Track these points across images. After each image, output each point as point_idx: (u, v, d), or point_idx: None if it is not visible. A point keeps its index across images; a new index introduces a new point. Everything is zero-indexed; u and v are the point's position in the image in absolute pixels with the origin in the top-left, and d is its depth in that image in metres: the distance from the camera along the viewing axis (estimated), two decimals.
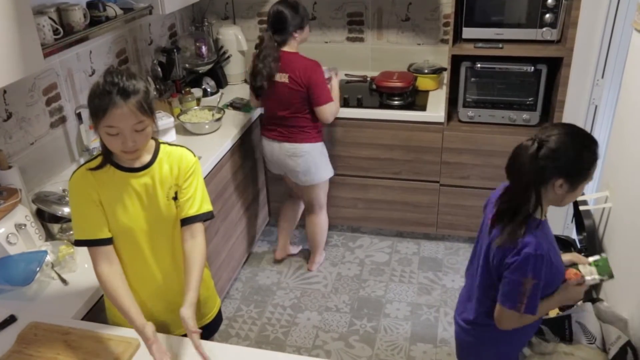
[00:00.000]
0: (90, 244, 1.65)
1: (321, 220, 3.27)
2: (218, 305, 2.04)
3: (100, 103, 1.50)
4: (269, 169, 3.25)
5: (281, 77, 2.84)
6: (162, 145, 1.73)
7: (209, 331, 1.98)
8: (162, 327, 1.80)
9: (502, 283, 1.61)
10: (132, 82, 1.52)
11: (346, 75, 3.69)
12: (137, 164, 1.67)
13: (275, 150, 3.03)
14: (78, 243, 1.67)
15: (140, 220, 1.68)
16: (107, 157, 1.64)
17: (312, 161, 3.00)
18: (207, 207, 1.77)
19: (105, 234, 1.66)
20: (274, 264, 3.49)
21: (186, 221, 1.72)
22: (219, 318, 2.04)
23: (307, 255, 3.54)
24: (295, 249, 3.56)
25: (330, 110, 2.88)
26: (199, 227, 1.74)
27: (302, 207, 3.41)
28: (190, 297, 1.63)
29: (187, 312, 1.59)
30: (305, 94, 2.83)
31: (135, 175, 1.66)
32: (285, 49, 2.86)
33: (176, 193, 1.71)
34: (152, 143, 1.71)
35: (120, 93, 1.49)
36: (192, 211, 1.72)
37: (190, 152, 1.76)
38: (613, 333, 1.84)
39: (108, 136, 1.54)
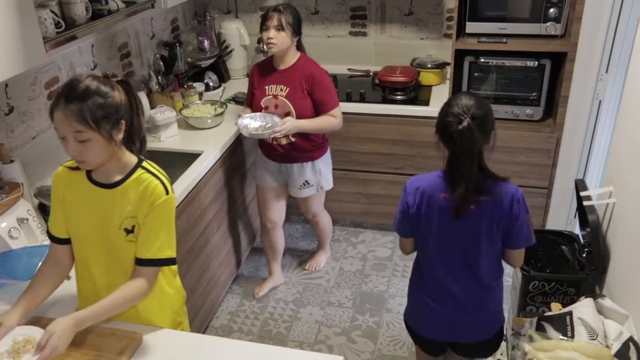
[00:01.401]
0: (50, 238, 1.70)
1: (326, 218, 3.26)
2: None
3: (52, 103, 1.47)
4: (261, 179, 3.02)
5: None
6: (139, 169, 1.60)
7: None
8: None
9: (516, 231, 1.81)
10: (87, 90, 1.45)
11: (349, 69, 3.68)
12: (104, 180, 1.59)
13: (286, 173, 2.96)
14: (48, 235, 1.71)
15: (90, 236, 1.63)
16: None
17: (320, 171, 2.95)
18: (168, 252, 1.61)
19: (60, 234, 1.66)
20: None
21: (138, 262, 1.60)
22: None
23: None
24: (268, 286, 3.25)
25: (340, 113, 2.82)
26: (149, 272, 1.60)
27: (280, 237, 3.19)
28: (81, 313, 1.52)
29: (59, 324, 1.47)
30: (312, 99, 2.76)
31: (100, 190, 1.60)
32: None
33: (133, 227, 1.58)
34: (131, 162, 1.60)
35: (65, 96, 1.45)
36: (147, 254, 1.59)
37: (163, 187, 1.58)
38: (615, 329, 1.83)
39: (60, 140, 1.50)
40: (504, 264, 1.94)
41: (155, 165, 1.65)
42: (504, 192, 1.78)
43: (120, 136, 1.53)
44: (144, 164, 1.63)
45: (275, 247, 3.16)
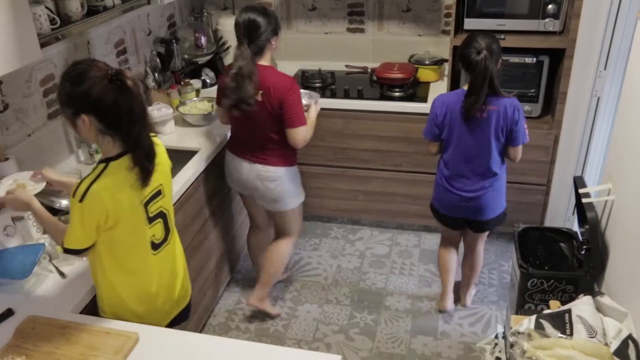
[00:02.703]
0: None
1: (284, 249, 2.89)
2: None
3: None
4: (231, 185, 2.85)
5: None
6: (99, 165, 1.66)
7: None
8: None
9: (516, 131, 2.45)
10: (66, 73, 1.60)
11: (346, 66, 3.67)
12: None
13: (245, 170, 2.67)
14: None
15: None
16: None
17: (286, 187, 2.68)
18: (66, 240, 1.69)
19: None
20: None
21: None
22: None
23: (308, 247, 3.53)
24: (273, 309, 3.02)
25: (303, 134, 2.54)
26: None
27: (268, 237, 3.05)
28: (36, 202, 1.79)
29: (22, 192, 1.81)
30: (279, 114, 2.51)
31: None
32: (261, 62, 2.53)
33: None
34: (109, 153, 1.66)
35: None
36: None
37: (75, 190, 1.62)
38: (614, 327, 1.83)
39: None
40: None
41: (112, 173, 1.64)
42: (508, 103, 2.41)
43: (83, 128, 1.61)
44: (100, 165, 1.65)
45: None
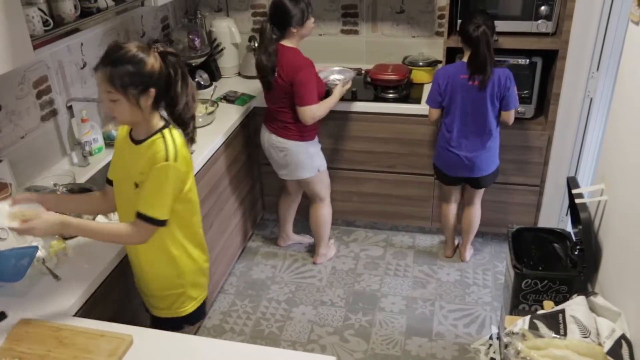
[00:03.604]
0: (106, 180, 1.95)
1: (319, 212, 3.24)
2: (196, 302, 2.03)
3: (96, 64, 1.67)
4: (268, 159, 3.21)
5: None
6: (159, 134, 1.75)
7: (181, 320, 2.02)
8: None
9: (508, 97, 2.79)
10: (121, 57, 1.64)
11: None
12: (136, 137, 1.79)
13: (265, 138, 3.06)
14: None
15: (119, 182, 1.87)
16: None
17: (293, 159, 3.00)
18: (154, 212, 1.73)
19: (110, 177, 1.92)
20: (269, 258, 3.47)
21: (136, 214, 1.76)
22: (197, 313, 2.06)
23: (302, 249, 3.53)
24: (300, 238, 3.56)
25: (310, 113, 2.82)
26: (139, 224, 1.75)
27: (296, 201, 3.40)
28: (69, 217, 1.72)
29: (49, 214, 1.69)
30: (290, 91, 2.80)
31: (131, 145, 1.80)
32: (284, 42, 2.82)
33: (140, 183, 1.76)
34: (156, 126, 1.77)
35: (102, 60, 1.66)
36: (140, 208, 1.75)
37: (163, 155, 1.71)
38: (607, 327, 1.83)
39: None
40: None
41: (177, 134, 1.78)
42: (501, 72, 2.76)
43: (148, 102, 1.70)
44: (165, 130, 1.76)
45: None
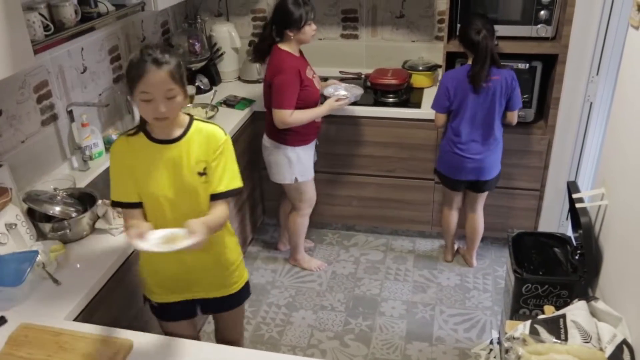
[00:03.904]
0: (122, 206, 1.85)
1: (291, 219, 3.25)
2: (245, 278, 2.12)
3: (136, 71, 1.65)
4: None
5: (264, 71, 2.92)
6: (195, 122, 1.83)
7: (234, 300, 2.10)
8: (179, 287, 1.99)
9: (514, 97, 2.84)
10: (165, 54, 1.67)
11: (340, 72, 3.68)
12: (165, 137, 1.79)
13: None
14: (114, 204, 1.87)
15: (165, 189, 1.80)
16: (142, 126, 1.80)
17: (270, 159, 3.03)
18: (236, 183, 1.86)
19: (134, 199, 1.82)
20: (269, 263, 3.47)
21: (213, 197, 1.83)
22: (245, 290, 2.13)
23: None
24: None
25: (281, 117, 2.79)
26: (224, 203, 1.85)
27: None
28: (200, 219, 1.69)
29: (194, 221, 1.66)
30: (269, 92, 2.84)
31: (165, 147, 1.79)
32: (281, 45, 2.83)
33: (205, 169, 1.81)
34: (186, 119, 1.83)
35: (154, 62, 1.65)
36: (219, 188, 1.83)
37: (221, 130, 1.85)
38: (608, 331, 1.83)
39: (142, 103, 1.68)
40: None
41: (202, 118, 1.91)
42: (507, 74, 2.79)
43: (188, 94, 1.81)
44: (195, 117, 1.86)
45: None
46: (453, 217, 3.25)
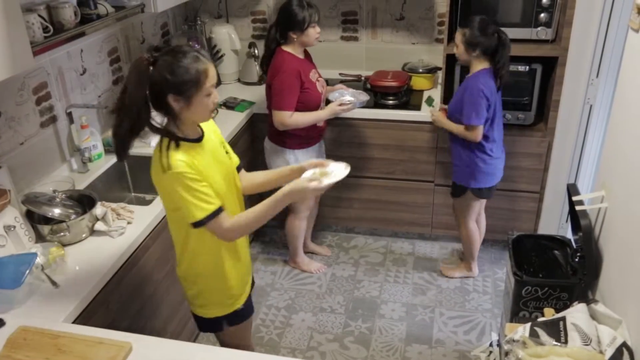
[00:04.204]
0: (213, 216, 1.73)
1: (288, 223, 3.25)
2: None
3: (198, 67, 1.64)
4: None
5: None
6: None
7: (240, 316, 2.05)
8: (249, 270, 2.08)
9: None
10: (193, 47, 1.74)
11: (340, 74, 3.67)
12: (197, 135, 1.79)
13: None
14: (199, 224, 1.72)
15: (222, 182, 1.83)
16: (175, 134, 1.71)
17: (272, 162, 3.02)
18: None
19: (218, 202, 1.76)
20: (268, 265, 3.47)
21: (238, 167, 1.98)
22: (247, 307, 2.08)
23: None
24: (319, 249, 3.55)
25: (280, 118, 2.79)
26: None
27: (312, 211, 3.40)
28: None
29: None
30: (269, 92, 2.85)
31: (203, 142, 1.80)
32: (284, 47, 2.83)
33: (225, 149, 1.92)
34: None
35: (202, 56, 1.68)
36: (236, 158, 1.98)
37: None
38: (608, 334, 1.82)
39: (205, 99, 1.68)
40: None
41: None
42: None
43: None
44: None
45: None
46: (478, 225, 3.17)
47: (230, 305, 1.98)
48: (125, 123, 1.66)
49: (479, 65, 2.73)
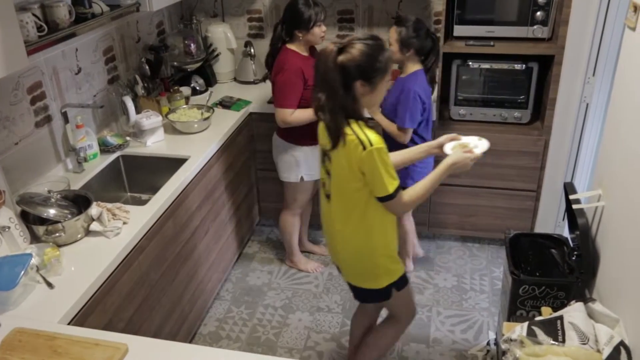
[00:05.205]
0: (399, 189, 1.93)
1: (281, 218, 3.26)
2: (383, 281, 2.15)
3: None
4: None
5: None
6: None
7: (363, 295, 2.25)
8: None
9: None
10: None
11: None
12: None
13: None
14: (389, 197, 1.90)
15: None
16: (362, 116, 1.90)
17: (280, 158, 3.04)
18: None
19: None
20: (265, 264, 3.46)
21: None
22: (379, 293, 2.18)
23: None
24: (317, 248, 3.55)
25: (282, 115, 2.81)
26: None
27: (307, 209, 3.40)
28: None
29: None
30: (274, 89, 2.86)
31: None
32: (290, 45, 2.83)
33: None
34: None
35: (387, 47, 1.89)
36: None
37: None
38: (606, 333, 1.82)
39: (388, 84, 1.94)
40: None
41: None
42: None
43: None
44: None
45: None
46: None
47: (396, 271, 2.14)
48: (340, 116, 1.85)
49: (413, 67, 2.74)
